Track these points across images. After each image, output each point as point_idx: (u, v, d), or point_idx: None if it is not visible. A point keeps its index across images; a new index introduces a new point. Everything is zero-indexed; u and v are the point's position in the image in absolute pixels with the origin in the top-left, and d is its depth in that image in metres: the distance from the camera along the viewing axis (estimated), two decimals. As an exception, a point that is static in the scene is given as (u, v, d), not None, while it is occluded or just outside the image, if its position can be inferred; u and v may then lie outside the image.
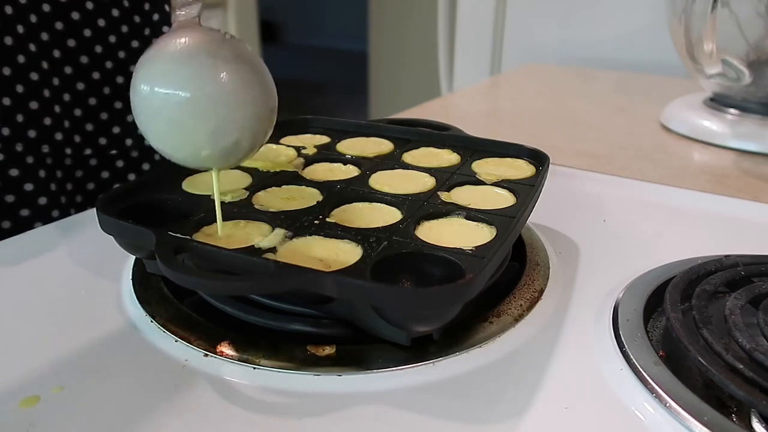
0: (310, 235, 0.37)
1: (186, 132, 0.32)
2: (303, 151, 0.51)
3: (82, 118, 0.60)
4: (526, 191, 0.42)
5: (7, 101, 0.53)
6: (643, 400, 0.30)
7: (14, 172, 0.54)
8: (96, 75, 0.60)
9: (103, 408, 0.30)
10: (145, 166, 0.66)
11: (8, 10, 0.52)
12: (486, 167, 0.48)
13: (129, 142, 0.64)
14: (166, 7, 0.65)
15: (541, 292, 0.40)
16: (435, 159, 0.50)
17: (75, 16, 0.57)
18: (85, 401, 0.30)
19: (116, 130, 0.63)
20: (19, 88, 0.53)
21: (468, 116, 0.91)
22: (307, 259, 0.34)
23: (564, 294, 0.40)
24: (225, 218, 0.38)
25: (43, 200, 0.56)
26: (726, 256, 0.41)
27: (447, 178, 0.45)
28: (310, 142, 0.54)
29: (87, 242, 0.47)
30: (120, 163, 0.64)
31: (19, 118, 0.54)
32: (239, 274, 0.32)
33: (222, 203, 0.41)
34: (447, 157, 0.50)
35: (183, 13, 0.34)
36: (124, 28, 0.61)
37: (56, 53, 0.57)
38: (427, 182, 0.45)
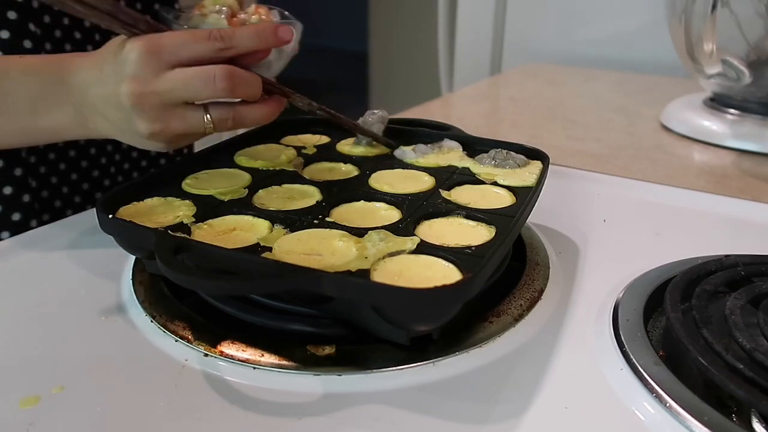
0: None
1: None
2: (303, 151, 0.51)
3: None
4: (525, 192, 0.42)
5: None
6: (643, 399, 0.30)
7: (42, 170, 0.57)
8: None
9: (103, 408, 0.30)
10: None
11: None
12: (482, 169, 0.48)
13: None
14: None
15: (541, 292, 0.40)
16: (435, 158, 0.50)
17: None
18: (85, 401, 0.30)
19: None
20: None
21: (468, 116, 0.91)
22: (302, 255, 0.34)
23: (564, 294, 0.40)
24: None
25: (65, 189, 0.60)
26: (726, 256, 0.41)
27: (447, 178, 0.45)
28: (310, 142, 0.54)
29: (87, 242, 0.47)
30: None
31: None
32: (239, 274, 0.32)
33: (222, 202, 0.41)
34: (448, 155, 0.50)
35: None
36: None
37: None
38: (426, 181, 0.45)
